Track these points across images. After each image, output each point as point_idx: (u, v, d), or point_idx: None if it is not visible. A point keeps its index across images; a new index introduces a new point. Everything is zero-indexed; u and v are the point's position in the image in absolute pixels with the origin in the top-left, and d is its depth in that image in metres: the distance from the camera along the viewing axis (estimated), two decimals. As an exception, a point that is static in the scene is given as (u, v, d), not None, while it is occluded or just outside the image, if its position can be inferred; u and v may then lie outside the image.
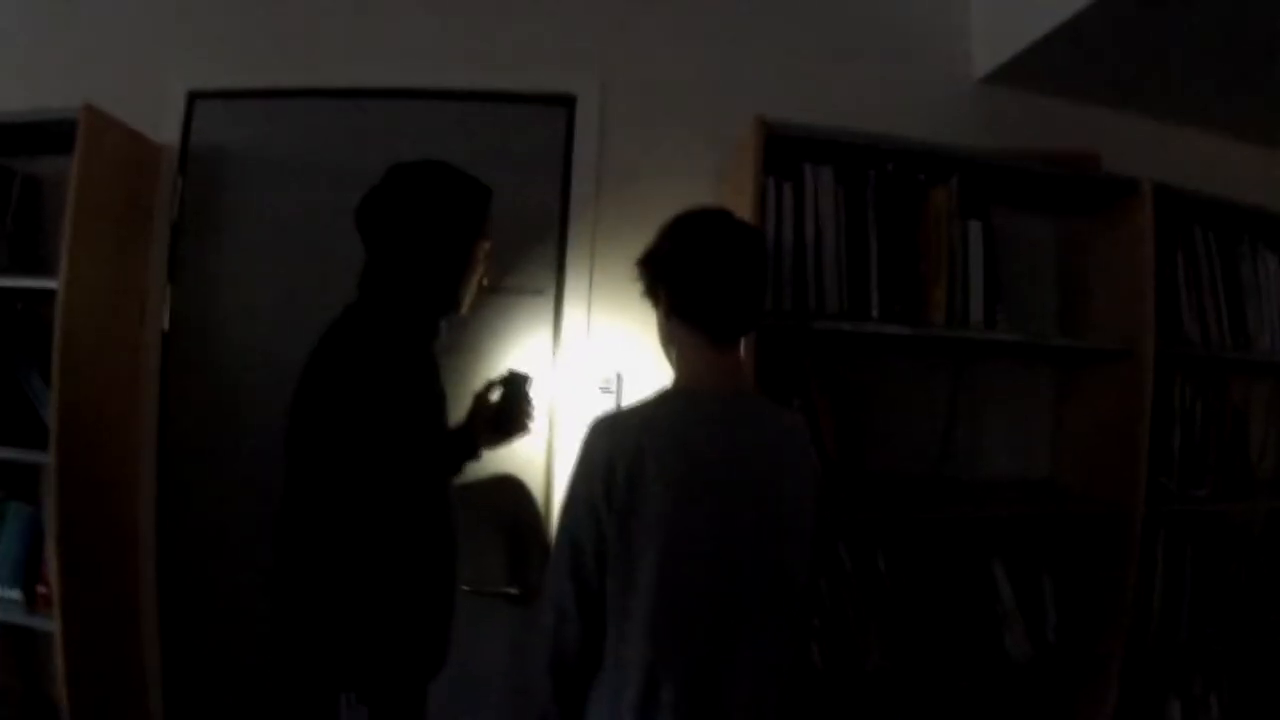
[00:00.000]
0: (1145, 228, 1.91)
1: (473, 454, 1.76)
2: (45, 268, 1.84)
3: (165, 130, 2.09)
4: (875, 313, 1.78)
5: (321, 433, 1.40)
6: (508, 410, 1.76)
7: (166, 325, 2.09)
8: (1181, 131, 2.32)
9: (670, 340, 1.46)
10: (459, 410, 1.75)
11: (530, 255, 2.07)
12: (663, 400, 1.39)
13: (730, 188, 1.89)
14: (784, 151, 1.77)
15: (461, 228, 1.56)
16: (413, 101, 2.09)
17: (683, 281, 1.40)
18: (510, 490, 2.03)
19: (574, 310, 2.04)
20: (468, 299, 1.62)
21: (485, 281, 1.65)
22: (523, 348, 2.06)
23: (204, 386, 2.09)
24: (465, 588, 1.85)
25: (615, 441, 1.31)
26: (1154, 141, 2.25)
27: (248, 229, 2.11)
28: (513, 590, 1.97)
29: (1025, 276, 2.15)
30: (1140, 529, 1.88)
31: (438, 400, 1.58)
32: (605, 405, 1.94)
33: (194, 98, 2.13)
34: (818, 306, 1.75)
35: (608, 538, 1.28)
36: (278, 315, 2.03)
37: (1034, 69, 2.11)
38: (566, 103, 2.09)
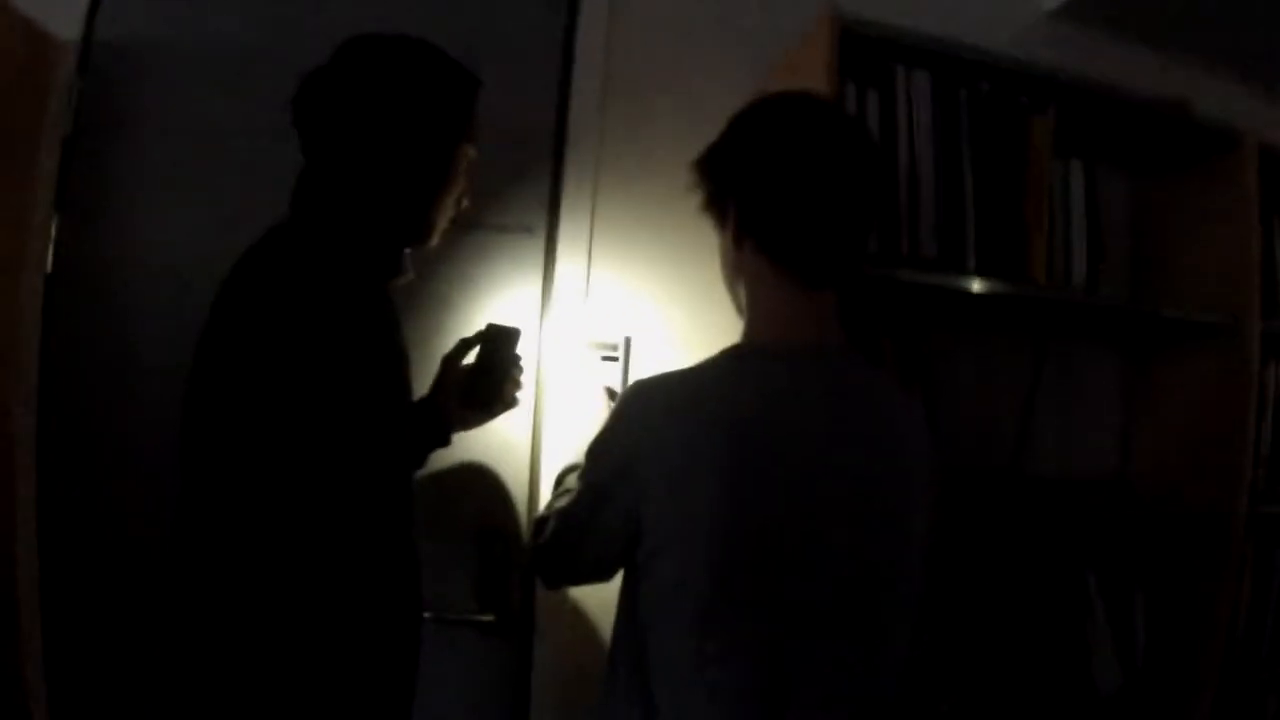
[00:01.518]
0: (1250, 188, 1.52)
1: (441, 438, 1.21)
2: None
3: (63, 20, 1.41)
4: (972, 264, 1.31)
5: (228, 411, 0.90)
6: (487, 376, 1.23)
7: (50, 266, 1.40)
8: (1263, 93, 1.91)
9: (738, 274, 0.99)
10: (423, 380, 1.22)
11: (516, 183, 1.50)
12: (727, 363, 0.94)
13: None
14: (857, 56, 1.28)
15: (440, 123, 1.06)
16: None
17: (763, 192, 0.93)
18: (482, 486, 1.46)
19: (570, 254, 1.48)
20: (442, 222, 1.12)
21: (465, 201, 1.13)
22: (505, 300, 1.49)
23: (98, 345, 1.41)
24: (425, 615, 1.29)
25: (655, 426, 0.91)
26: (1235, 100, 1.83)
27: (162, 145, 1.46)
28: (486, 617, 1.41)
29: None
30: (1243, 533, 1.49)
31: (397, 363, 1.06)
32: (608, 376, 1.42)
33: (102, -24, 1.47)
34: (911, 252, 1.26)
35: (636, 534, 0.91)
36: (197, 254, 1.33)
37: (1107, 7, 1.69)
38: (568, -15, 1.54)
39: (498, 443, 1.45)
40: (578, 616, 1.44)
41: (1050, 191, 1.37)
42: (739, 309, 1.01)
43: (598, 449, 0.96)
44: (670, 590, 0.88)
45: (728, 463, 0.87)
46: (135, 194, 1.46)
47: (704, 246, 1.09)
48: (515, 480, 1.48)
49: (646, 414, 0.92)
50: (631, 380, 1.36)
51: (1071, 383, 1.73)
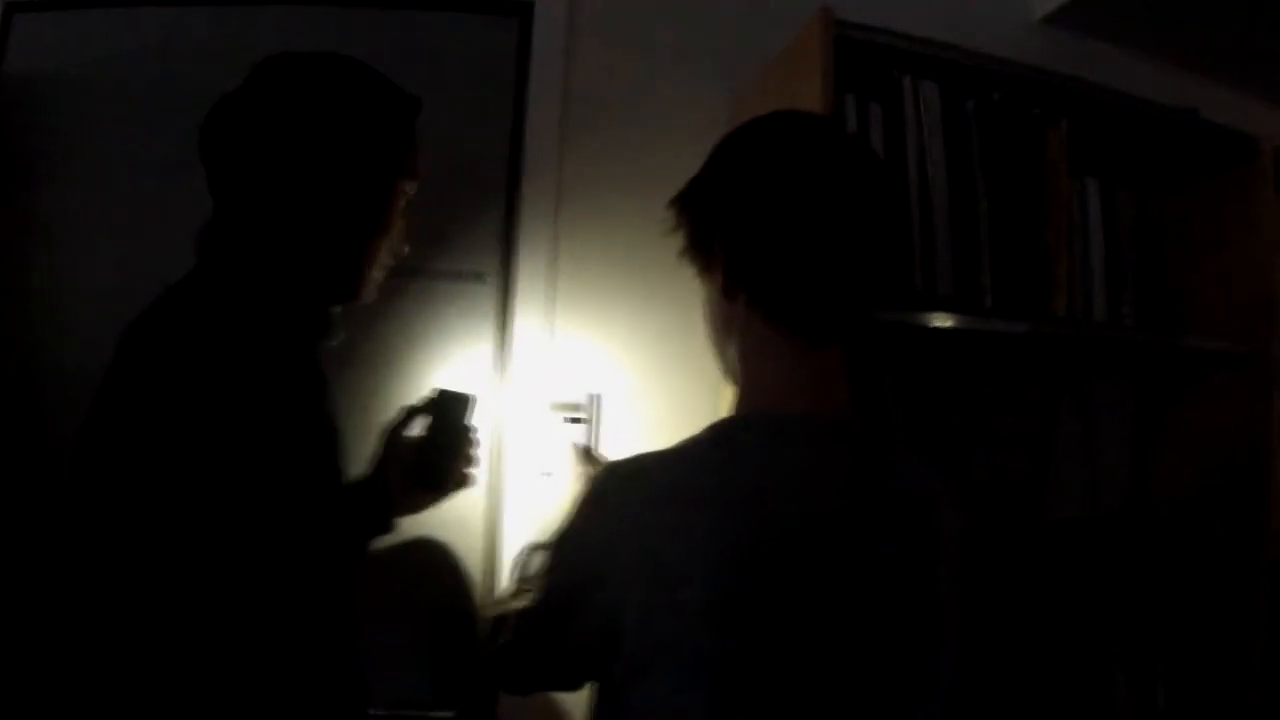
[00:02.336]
0: (1268, 201, 1.33)
1: (383, 524, 1.01)
2: None
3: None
4: (989, 301, 1.10)
5: (117, 504, 0.73)
6: (436, 450, 1.02)
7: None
8: (1268, 100, 1.73)
9: (729, 332, 0.80)
10: (361, 457, 1.01)
11: (466, 224, 1.30)
12: (718, 439, 0.74)
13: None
14: (851, 66, 1.07)
15: (373, 154, 0.87)
16: (309, 9, 1.33)
17: (755, 234, 0.75)
18: (436, 565, 1.25)
19: (529, 304, 1.27)
20: (377, 273, 0.92)
21: (404, 247, 0.95)
22: (455, 358, 1.28)
23: (8, 407, 1.27)
24: (376, 713, 1.08)
25: (634, 517, 0.71)
26: (1238, 108, 1.62)
27: (80, 184, 1.32)
28: (445, 713, 1.22)
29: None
30: (1272, 585, 1.31)
31: (325, 441, 0.86)
32: (575, 437, 1.20)
33: (12, 10, 1.38)
34: (926, 289, 1.06)
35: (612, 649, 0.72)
36: (119, 305, 1.16)
37: (1103, 14, 1.51)
38: (519, 10, 1.33)
39: (452, 518, 1.22)
40: (546, 710, 1.24)
41: (1069, 213, 1.18)
42: (729, 372, 0.81)
43: (565, 546, 0.76)
44: (663, 701, 0.69)
45: (722, 556, 0.67)
46: (51, 239, 1.30)
47: (682, 292, 0.91)
48: (473, 558, 1.26)
49: (623, 503, 0.72)
50: (602, 443, 1.17)
51: (1083, 420, 1.53)
